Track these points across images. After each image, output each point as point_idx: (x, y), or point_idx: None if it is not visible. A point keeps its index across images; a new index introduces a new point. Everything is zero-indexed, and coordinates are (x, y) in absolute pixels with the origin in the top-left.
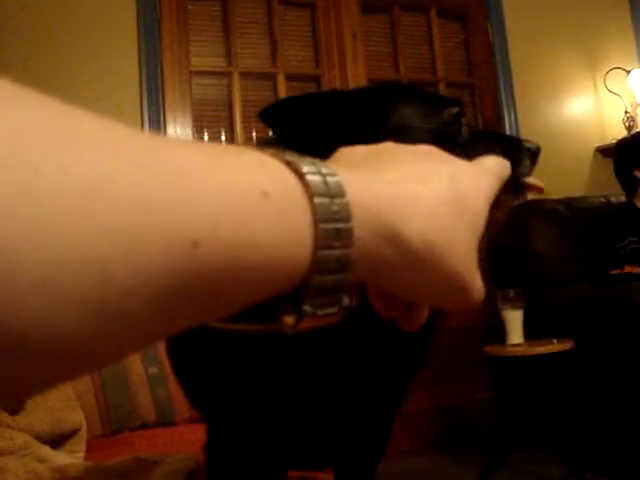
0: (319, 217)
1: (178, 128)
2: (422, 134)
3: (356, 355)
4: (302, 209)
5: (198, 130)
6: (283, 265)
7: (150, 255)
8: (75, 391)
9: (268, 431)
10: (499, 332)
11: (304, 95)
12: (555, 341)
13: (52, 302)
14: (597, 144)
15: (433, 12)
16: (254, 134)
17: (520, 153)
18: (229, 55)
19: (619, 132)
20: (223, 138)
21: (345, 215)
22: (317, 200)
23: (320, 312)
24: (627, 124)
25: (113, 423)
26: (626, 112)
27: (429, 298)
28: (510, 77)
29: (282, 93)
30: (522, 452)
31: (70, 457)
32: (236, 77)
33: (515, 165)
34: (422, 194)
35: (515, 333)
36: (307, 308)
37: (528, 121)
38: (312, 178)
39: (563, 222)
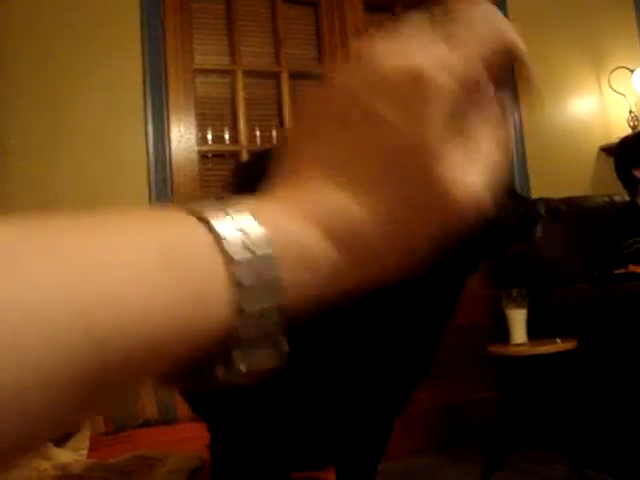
0: (238, 278)
1: (182, 126)
2: None
3: (361, 356)
4: (215, 273)
5: (201, 128)
6: (200, 330)
7: (41, 348)
8: None
9: (271, 431)
10: (502, 331)
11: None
12: (558, 341)
13: None
14: (601, 143)
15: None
16: (257, 132)
17: (536, 217)
18: (233, 53)
19: (623, 131)
20: (226, 136)
21: (269, 266)
22: (236, 258)
23: (256, 364)
24: (631, 123)
25: (116, 421)
26: (630, 111)
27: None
28: (513, 76)
29: (285, 91)
30: (525, 452)
31: (73, 455)
32: (240, 75)
33: (530, 230)
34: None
35: (518, 332)
36: (240, 364)
37: (532, 120)
38: (229, 238)
39: (567, 221)
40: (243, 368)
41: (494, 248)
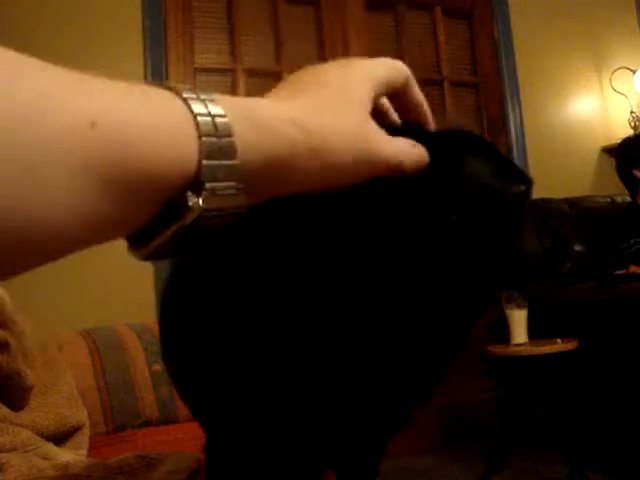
0: (202, 133)
1: None
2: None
3: (369, 360)
4: (186, 128)
5: None
6: (174, 147)
7: (56, 139)
8: (78, 388)
9: (271, 433)
10: (503, 331)
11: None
12: (559, 341)
13: None
14: (603, 144)
15: (438, 10)
16: None
17: (564, 253)
18: (234, 52)
19: (625, 132)
20: None
21: (226, 126)
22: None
23: (220, 190)
24: (633, 124)
25: (116, 421)
26: (632, 112)
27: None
28: (515, 76)
29: None
30: (525, 451)
31: (73, 454)
32: (240, 75)
33: (556, 268)
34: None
35: (519, 332)
36: (207, 186)
37: (533, 121)
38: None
39: (568, 222)
40: (210, 187)
41: (511, 285)
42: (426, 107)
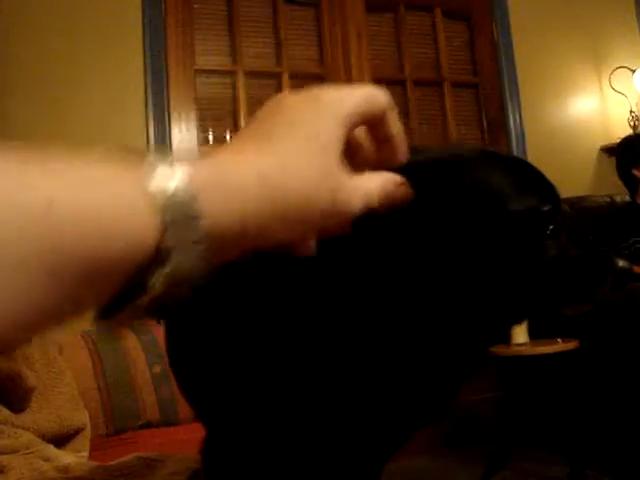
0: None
1: (183, 127)
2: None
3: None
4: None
5: (203, 129)
6: (131, 227)
7: (6, 228)
8: (79, 390)
9: (274, 434)
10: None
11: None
12: (559, 341)
13: None
14: (602, 143)
15: (438, 11)
16: None
17: (607, 273)
18: (234, 54)
19: (624, 131)
20: (228, 137)
21: (191, 197)
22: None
23: (184, 262)
24: (632, 123)
25: (117, 422)
26: (631, 111)
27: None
28: (515, 76)
29: (287, 92)
30: (526, 452)
31: (74, 456)
32: (241, 76)
33: (596, 290)
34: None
35: (519, 332)
36: (171, 258)
37: (533, 120)
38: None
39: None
40: (175, 272)
41: (540, 311)
42: (400, 139)
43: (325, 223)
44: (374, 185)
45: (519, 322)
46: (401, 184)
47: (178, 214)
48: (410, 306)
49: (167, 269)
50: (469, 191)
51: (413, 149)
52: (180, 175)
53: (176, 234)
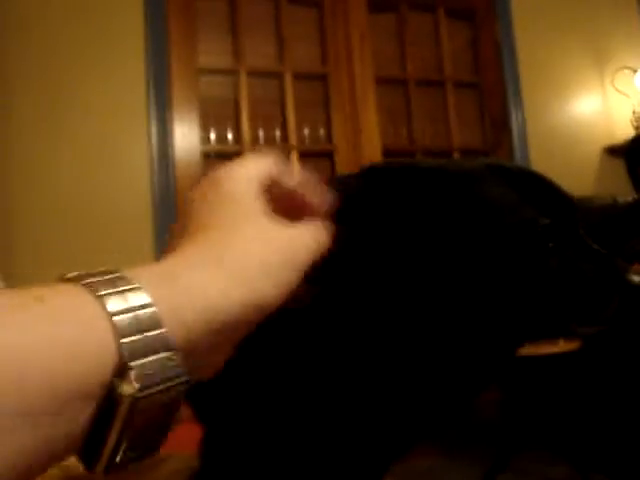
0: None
1: (185, 126)
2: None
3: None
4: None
5: (205, 129)
6: (87, 357)
7: None
8: None
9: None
10: None
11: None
12: (561, 341)
13: None
14: (605, 144)
15: (441, 11)
16: (260, 132)
17: (615, 283)
18: (236, 53)
19: (627, 132)
20: (230, 136)
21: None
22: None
23: (153, 386)
24: (635, 124)
25: None
26: (634, 112)
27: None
28: (517, 76)
29: (289, 92)
30: (527, 453)
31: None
32: (243, 75)
33: (606, 308)
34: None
35: None
36: (139, 385)
37: (535, 120)
38: (120, 320)
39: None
40: (144, 389)
41: (546, 334)
42: (301, 193)
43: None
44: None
45: (525, 340)
46: (327, 231)
47: (140, 340)
48: (406, 317)
49: (133, 389)
50: (469, 205)
51: (416, 162)
52: (138, 296)
53: (141, 363)
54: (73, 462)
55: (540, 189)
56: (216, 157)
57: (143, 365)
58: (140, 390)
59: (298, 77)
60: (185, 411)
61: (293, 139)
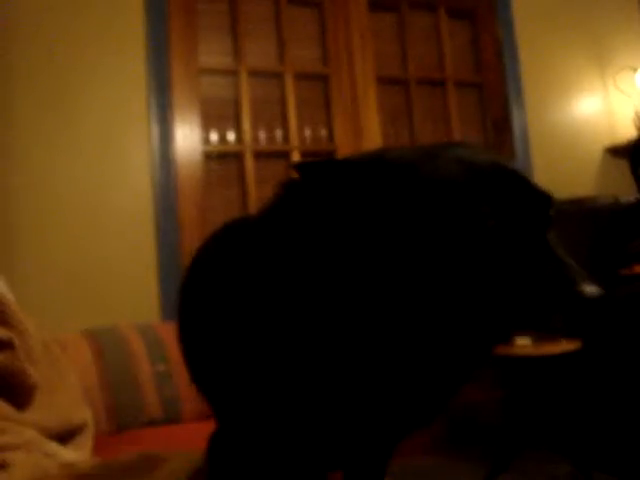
0: None
1: (186, 126)
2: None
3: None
4: None
5: (206, 129)
6: None
7: None
8: (82, 388)
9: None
10: None
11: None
12: (563, 341)
13: None
14: (606, 144)
15: (442, 11)
16: (261, 132)
17: (566, 293)
18: (237, 53)
19: (629, 132)
20: (231, 136)
21: None
22: None
23: None
24: (637, 124)
25: (120, 420)
26: (636, 112)
27: None
28: (519, 76)
29: (290, 92)
30: (529, 453)
31: (77, 454)
32: (244, 75)
33: (549, 317)
34: None
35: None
36: None
37: (537, 120)
38: None
39: (571, 222)
40: None
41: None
42: None
43: None
44: None
45: (483, 337)
46: None
47: None
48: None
49: None
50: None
51: (382, 150)
52: None
53: None
54: (76, 459)
55: (505, 184)
56: (217, 157)
57: None
58: None
59: (299, 77)
60: (188, 409)
61: (294, 139)
